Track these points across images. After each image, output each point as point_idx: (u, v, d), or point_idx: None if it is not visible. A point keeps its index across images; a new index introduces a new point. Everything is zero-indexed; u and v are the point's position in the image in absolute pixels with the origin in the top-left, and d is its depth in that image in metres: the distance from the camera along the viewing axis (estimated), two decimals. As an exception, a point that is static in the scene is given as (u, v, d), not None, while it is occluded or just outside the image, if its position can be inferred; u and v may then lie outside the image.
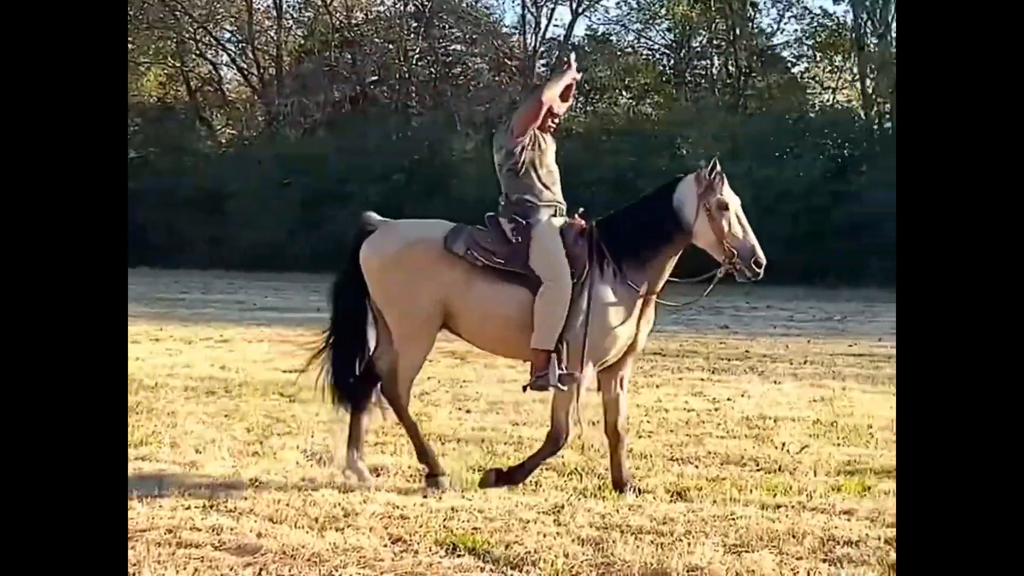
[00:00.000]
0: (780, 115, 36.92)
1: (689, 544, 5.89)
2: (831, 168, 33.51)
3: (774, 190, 29.67)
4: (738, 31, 40.07)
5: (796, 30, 41.25)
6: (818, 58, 41.36)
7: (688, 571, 5.49)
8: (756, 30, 41.32)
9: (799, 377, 13.13)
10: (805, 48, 41.32)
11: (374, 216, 7.51)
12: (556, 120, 7.47)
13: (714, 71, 41.95)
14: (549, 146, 7.35)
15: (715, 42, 41.45)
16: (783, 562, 5.65)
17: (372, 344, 7.49)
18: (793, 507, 6.76)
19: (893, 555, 5.70)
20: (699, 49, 42.05)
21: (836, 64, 40.97)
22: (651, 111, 42.00)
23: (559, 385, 7.00)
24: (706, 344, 16.75)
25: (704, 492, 7.16)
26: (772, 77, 41.19)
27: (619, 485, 7.22)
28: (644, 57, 43.12)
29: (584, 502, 6.82)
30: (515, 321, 7.08)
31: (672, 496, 7.07)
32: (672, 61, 42.42)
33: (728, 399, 11.26)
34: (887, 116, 37.43)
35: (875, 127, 36.92)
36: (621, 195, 35.10)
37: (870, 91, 37.93)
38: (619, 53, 42.78)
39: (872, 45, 38.13)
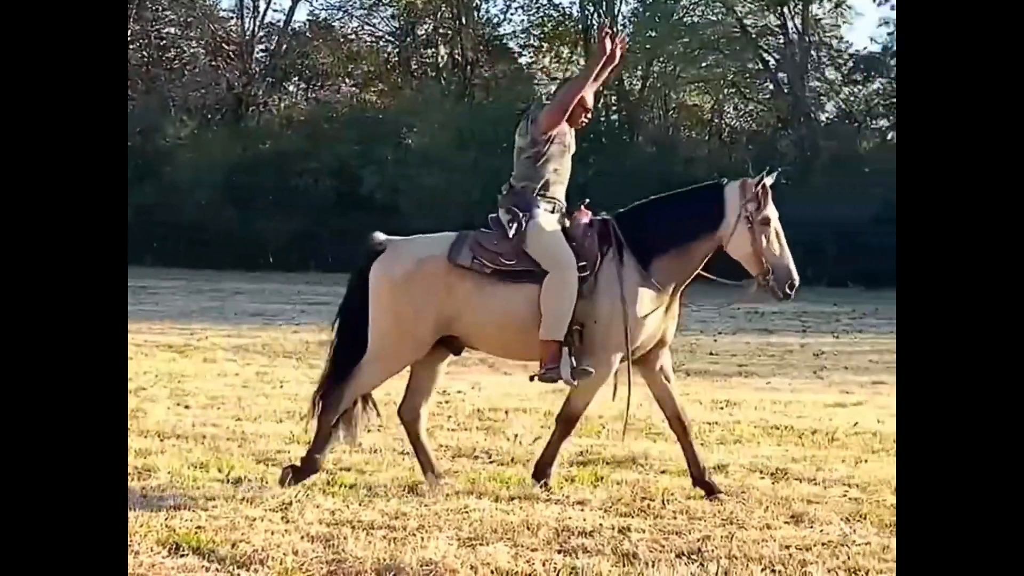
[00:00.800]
0: (507, 105, 37.30)
1: (423, 538, 5.79)
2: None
3: (501, 181, 29.85)
4: (464, 20, 40.33)
5: (523, 20, 41.86)
6: (545, 49, 42.01)
7: (422, 566, 5.38)
8: (483, 20, 41.68)
9: (529, 368, 13.06)
10: (532, 39, 41.94)
11: (381, 236, 7.18)
12: (588, 115, 7.30)
13: (440, 60, 42.09)
14: (571, 145, 7.21)
15: (441, 31, 41.62)
16: (518, 554, 5.60)
17: None
18: (527, 499, 6.73)
19: (627, 544, 5.77)
20: (425, 37, 42.13)
21: (563, 55, 41.67)
22: (375, 99, 41.92)
23: (571, 380, 6.93)
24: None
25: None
26: (499, 67, 41.63)
27: (700, 482, 7.01)
28: (368, 44, 42.95)
29: (313, 498, 6.62)
30: (530, 320, 6.90)
31: (404, 490, 6.93)
32: (397, 49, 42.36)
33: (459, 392, 11.19)
34: (613, 108, 38.32)
35: (602, 119, 37.70)
36: (343, 183, 35.10)
37: (597, 82, 38.71)
38: (342, 40, 42.48)
39: (598, 37, 38.97)
